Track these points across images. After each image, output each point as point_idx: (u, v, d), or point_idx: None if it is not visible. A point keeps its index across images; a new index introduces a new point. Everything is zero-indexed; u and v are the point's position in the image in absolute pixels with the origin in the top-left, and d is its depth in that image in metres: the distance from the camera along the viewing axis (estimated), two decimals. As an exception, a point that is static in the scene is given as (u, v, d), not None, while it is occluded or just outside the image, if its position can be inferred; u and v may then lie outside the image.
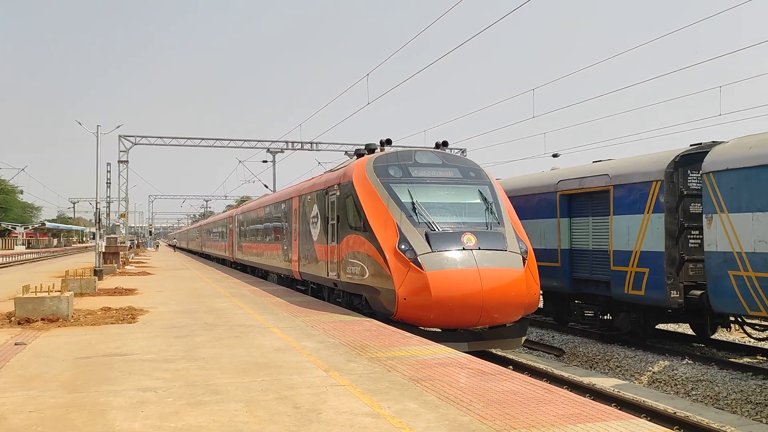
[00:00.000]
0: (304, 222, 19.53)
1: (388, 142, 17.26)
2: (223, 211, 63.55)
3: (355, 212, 14.68)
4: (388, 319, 13.20)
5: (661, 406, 10.96)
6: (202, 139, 46.35)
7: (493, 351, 14.57)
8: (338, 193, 15.95)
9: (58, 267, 38.94)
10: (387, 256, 13.09)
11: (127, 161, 45.16)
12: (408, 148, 16.44)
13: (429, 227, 13.37)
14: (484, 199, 14.55)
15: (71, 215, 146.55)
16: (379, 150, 16.77)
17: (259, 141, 47.46)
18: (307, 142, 47.59)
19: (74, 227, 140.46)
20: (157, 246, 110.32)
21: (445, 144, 17.03)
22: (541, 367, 13.96)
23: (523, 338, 13.97)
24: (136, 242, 78.77)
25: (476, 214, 14.21)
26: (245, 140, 47.10)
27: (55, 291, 14.61)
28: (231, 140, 46.87)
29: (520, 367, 13.66)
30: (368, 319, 13.97)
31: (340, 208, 15.70)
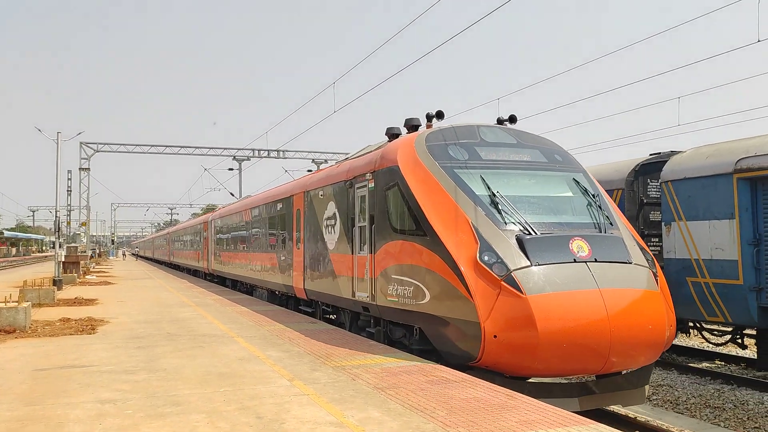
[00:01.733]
0: (313, 225, 15.59)
1: (439, 115, 12.34)
2: (191, 218, 62.40)
3: (403, 209, 10.70)
4: (464, 365, 9.31)
5: (622, 410, 11.11)
6: (167, 146, 45.86)
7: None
8: (372, 185, 11.93)
9: (16, 277, 38.00)
10: (463, 271, 9.11)
11: (88, 168, 44.39)
12: (466, 124, 11.76)
13: (522, 230, 9.53)
14: (584, 191, 10.75)
15: (30, 224, 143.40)
16: (425, 127, 12.33)
17: (224, 149, 47.13)
18: (273, 150, 47.40)
19: (33, 236, 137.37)
20: (125, 255, 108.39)
21: (512, 119, 12.29)
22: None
23: (647, 388, 10.01)
24: (97, 251, 77.35)
25: (579, 211, 10.41)
26: (210, 148, 46.75)
27: (12, 301, 14.27)
28: (196, 147, 46.47)
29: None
30: (334, 327, 13.89)
31: (376, 205, 11.65)
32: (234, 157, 47.99)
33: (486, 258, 9.10)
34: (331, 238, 14.07)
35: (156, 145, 45.50)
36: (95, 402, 7.40)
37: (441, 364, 9.48)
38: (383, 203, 11.38)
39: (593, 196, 10.71)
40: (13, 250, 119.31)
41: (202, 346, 11.43)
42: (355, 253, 12.58)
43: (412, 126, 12.25)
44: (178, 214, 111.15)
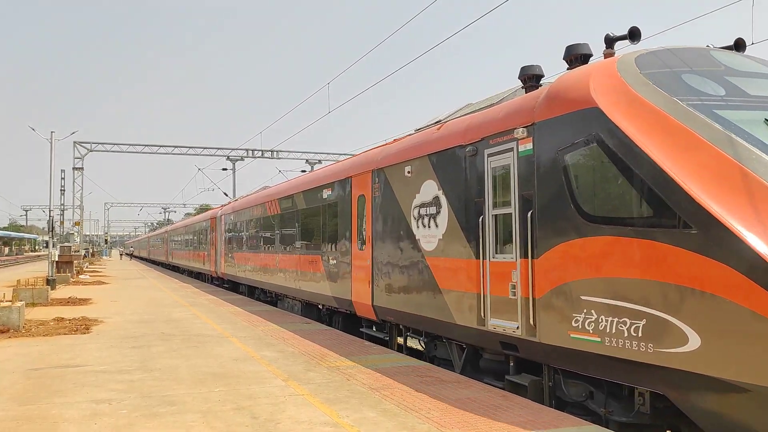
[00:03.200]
0: (390, 216, 11.40)
1: (633, 35, 7.84)
2: (184, 218, 61.63)
3: (615, 181, 6.63)
4: None
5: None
6: (160, 146, 45.84)
7: None
8: (526, 147, 7.81)
9: (9, 276, 37.86)
10: None
11: (82, 168, 44.31)
12: (680, 47, 7.77)
13: None
14: None
15: (23, 223, 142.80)
16: (605, 54, 8.06)
17: (218, 149, 47.17)
18: (267, 150, 47.44)
19: (26, 235, 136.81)
20: (121, 255, 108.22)
21: (740, 46, 8.30)
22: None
23: None
24: (90, 251, 77.14)
25: None
26: (204, 148, 46.73)
27: (6, 301, 14.22)
28: (190, 147, 46.47)
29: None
30: (328, 327, 13.89)
31: (538, 179, 7.55)
32: (228, 157, 48.00)
33: None
34: (429, 234, 10.00)
35: (150, 145, 45.53)
36: (90, 402, 7.39)
37: None
38: (558, 174, 7.22)
39: None
40: (6, 249, 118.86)
41: (197, 346, 11.42)
42: (485, 257, 8.44)
43: (578, 57, 8.16)
44: (175, 211, 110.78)
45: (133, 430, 6.22)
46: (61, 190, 41.53)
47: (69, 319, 15.28)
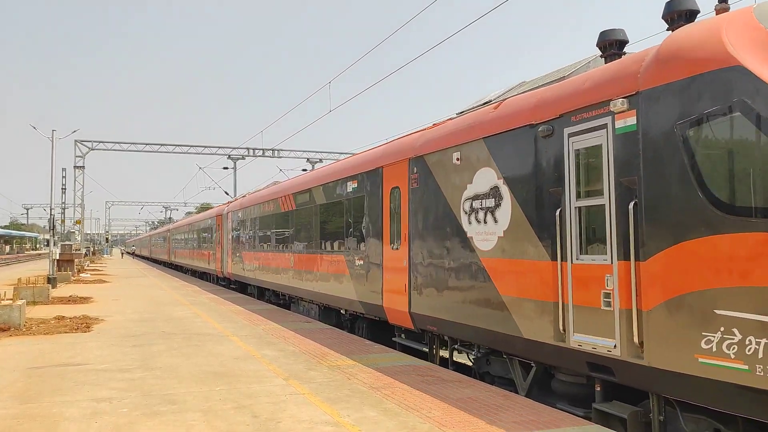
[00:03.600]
0: (432, 211, 10.02)
1: None
2: (185, 217, 61.38)
3: None
4: None
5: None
6: (162, 144, 45.86)
7: None
8: (626, 122, 6.42)
9: (10, 275, 37.88)
10: None
11: (83, 166, 44.31)
12: None
13: None
14: None
15: (24, 221, 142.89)
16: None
17: (219, 147, 47.14)
18: (268, 149, 47.43)
19: (27, 234, 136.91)
20: (122, 253, 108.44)
21: None
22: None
23: None
24: (92, 249, 77.20)
25: None
26: (205, 146, 46.78)
27: (7, 299, 14.21)
28: (191, 146, 46.49)
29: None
30: (329, 326, 13.89)
31: (646, 162, 6.15)
32: (229, 156, 48.02)
33: None
34: (485, 231, 8.62)
35: (151, 144, 45.55)
36: (90, 400, 7.38)
37: None
38: (677, 155, 5.80)
39: None
40: (7, 248, 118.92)
41: (198, 344, 11.42)
42: (565, 259, 7.11)
43: (682, 14, 6.75)
44: (176, 209, 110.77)
45: (133, 429, 6.21)
46: (62, 188, 41.54)
47: (70, 318, 15.27)
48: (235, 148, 47.43)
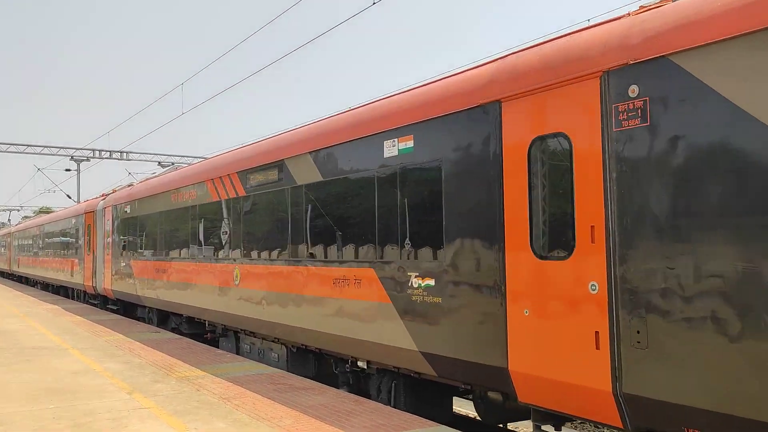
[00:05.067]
0: (683, 178, 4.74)
1: None
2: (23, 220, 56.14)
3: None
4: None
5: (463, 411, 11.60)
6: (-7, 142, 42.02)
7: None
8: None
9: None
10: None
11: None
12: None
13: None
14: None
15: None
16: None
17: (61, 148, 43.99)
18: (116, 151, 44.95)
19: None
20: None
21: None
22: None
23: None
24: None
25: None
26: (45, 146, 43.46)
27: None
28: (28, 146, 43.01)
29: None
30: (179, 336, 13.38)
31: None
32: (72, 157, 44.97)
33: None
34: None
35: (-19, 141, 41.60)
36: None
37: None
38: None
39: None
40: None
41: (30, 359, 10.58)
42: None
43: None
44: (17, 210, 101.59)
45: (-49, 455, 5.65)
46: None
47: None
48: (79, 149, 44.52)
